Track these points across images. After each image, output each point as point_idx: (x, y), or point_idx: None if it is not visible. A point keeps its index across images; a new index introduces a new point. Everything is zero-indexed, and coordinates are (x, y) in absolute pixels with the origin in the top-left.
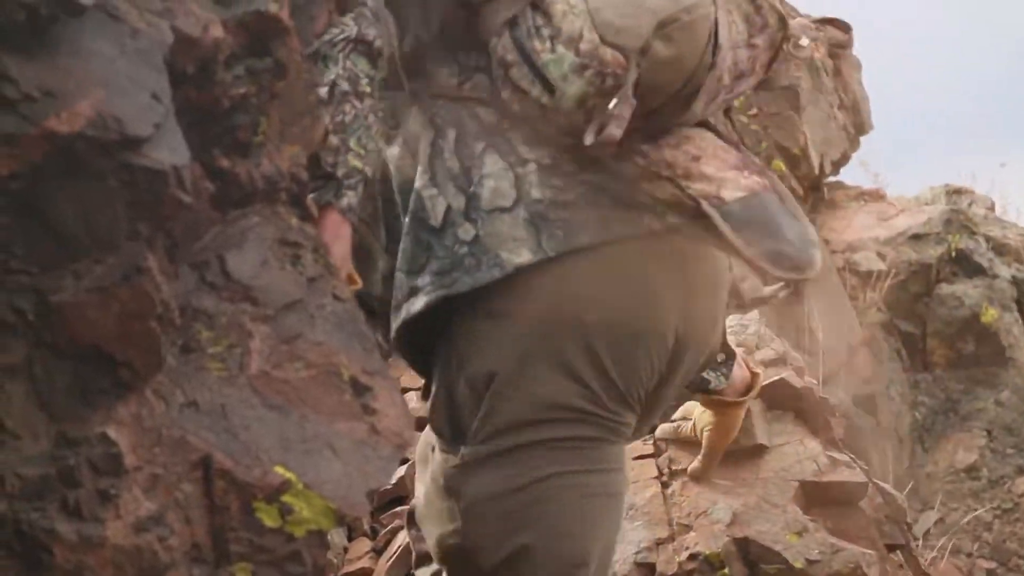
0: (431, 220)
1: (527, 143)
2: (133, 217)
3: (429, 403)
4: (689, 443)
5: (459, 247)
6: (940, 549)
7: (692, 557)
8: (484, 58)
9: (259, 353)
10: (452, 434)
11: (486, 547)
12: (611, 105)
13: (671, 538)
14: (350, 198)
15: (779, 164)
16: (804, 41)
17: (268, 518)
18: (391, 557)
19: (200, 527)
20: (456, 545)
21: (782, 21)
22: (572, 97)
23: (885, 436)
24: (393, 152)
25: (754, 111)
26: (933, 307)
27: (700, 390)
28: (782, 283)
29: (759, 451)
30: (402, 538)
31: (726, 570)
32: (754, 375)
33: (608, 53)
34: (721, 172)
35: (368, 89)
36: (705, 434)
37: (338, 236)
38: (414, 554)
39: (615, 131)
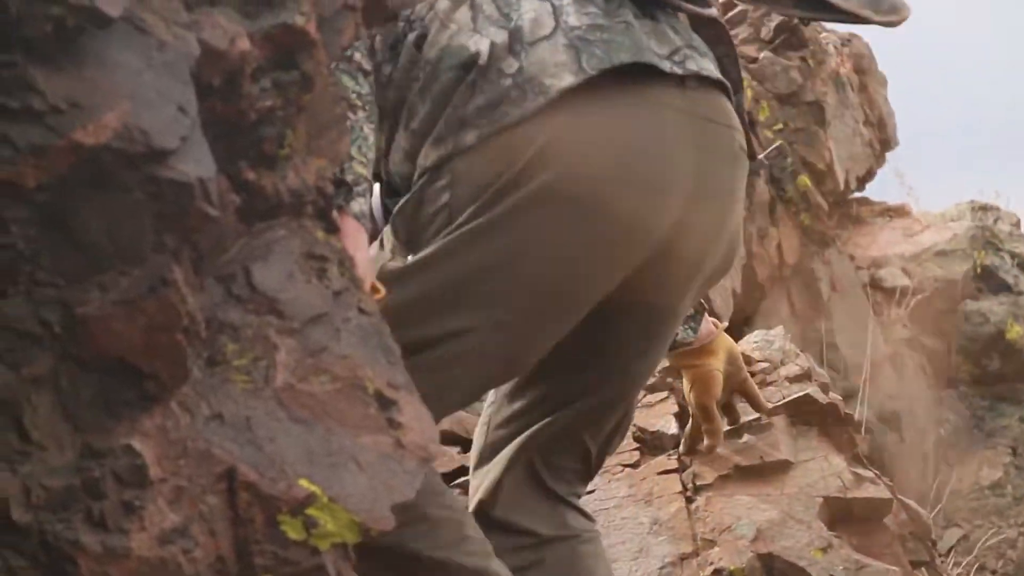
0: (478, 59)
1: None
2: (159, 229)
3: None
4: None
5: (504, 80)
6: (965, 566)
7: (716, 572)
8: None
9: (284, 366)
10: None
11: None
12: None
13: (695, 553)
14: (361, 205)
15: (804, 179)
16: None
17: (292, 531)
18: None
19: (224, 540)
20: None
21: None
22: None
23: (909, 452)
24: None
25: (780, 126)
26: (958, 324)
27: (669, 348)
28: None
29: (784, 467)
30: None
31: None
32: (716, 327)
33: None
34: None
35: (359, 102)
36: (692, 399)
37: (357, 245)
38: None
39: None
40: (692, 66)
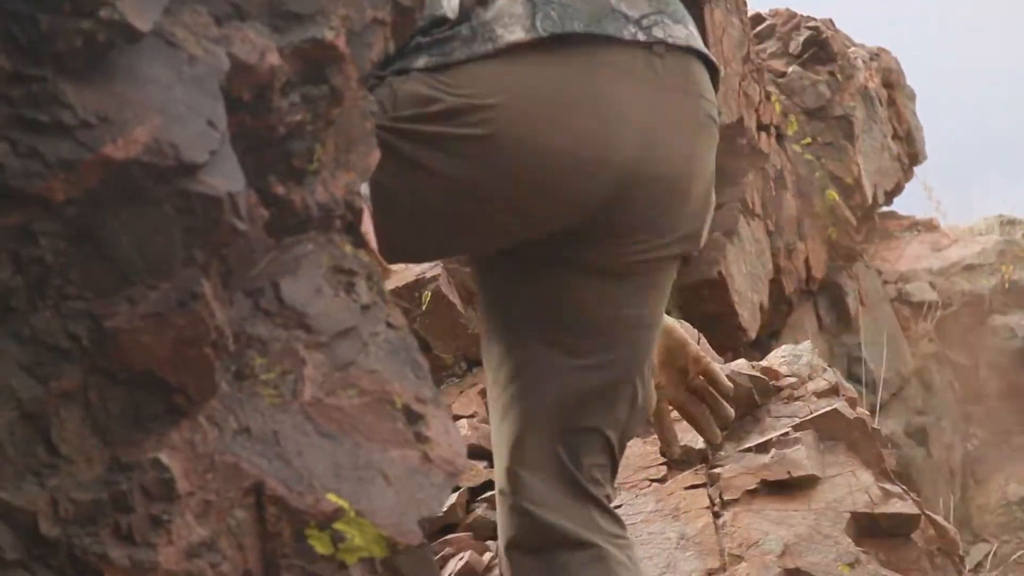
0: (448, 14)
1: None
2: (188, 243)
3: None
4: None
5: (462, 25)
6: None
7: None
8: None
9: (312, 380)
10: None
11: None
12: None
13: (722, 568)
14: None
15: (832, 193)
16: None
17: (320, 545)
18: None
19: (252, 554)
20: None
21: None
22: None
23: (937, 468)
24: None
25: (808, 140)
26: (986, 338)
27: None
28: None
29: (811, 482)
30: (453, 565)
31: None
32: None
33: None
34: None
35: None
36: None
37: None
38: None
39: None
40: (659, 33)
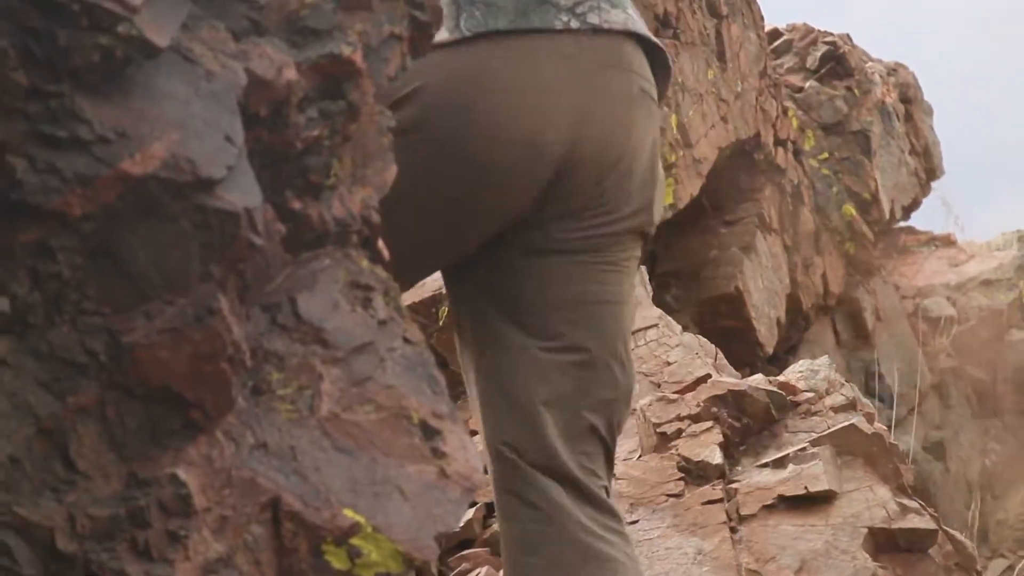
0: None
1: None
2: (205, 259)
3: None
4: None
5: None
6: None
7: None
8: None
9: (329, 395)
10: None
11: None
12: None
13: None
14: None
15: (850, 209)
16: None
17: (337, 561)
18: None
19: (269, 569)
20: None
21: None
22: None
23: (955, 483)
24: None
25: (825, 155)
26: (1004, 353)
27: None
28: None
29: (828, 497)
30: None
31: None
32: None
33: None
34: None
35: None
36: None
37: None
38: None
39: None
40: (594, 19)
